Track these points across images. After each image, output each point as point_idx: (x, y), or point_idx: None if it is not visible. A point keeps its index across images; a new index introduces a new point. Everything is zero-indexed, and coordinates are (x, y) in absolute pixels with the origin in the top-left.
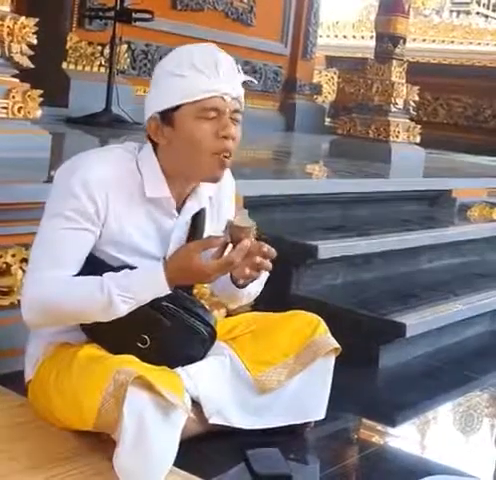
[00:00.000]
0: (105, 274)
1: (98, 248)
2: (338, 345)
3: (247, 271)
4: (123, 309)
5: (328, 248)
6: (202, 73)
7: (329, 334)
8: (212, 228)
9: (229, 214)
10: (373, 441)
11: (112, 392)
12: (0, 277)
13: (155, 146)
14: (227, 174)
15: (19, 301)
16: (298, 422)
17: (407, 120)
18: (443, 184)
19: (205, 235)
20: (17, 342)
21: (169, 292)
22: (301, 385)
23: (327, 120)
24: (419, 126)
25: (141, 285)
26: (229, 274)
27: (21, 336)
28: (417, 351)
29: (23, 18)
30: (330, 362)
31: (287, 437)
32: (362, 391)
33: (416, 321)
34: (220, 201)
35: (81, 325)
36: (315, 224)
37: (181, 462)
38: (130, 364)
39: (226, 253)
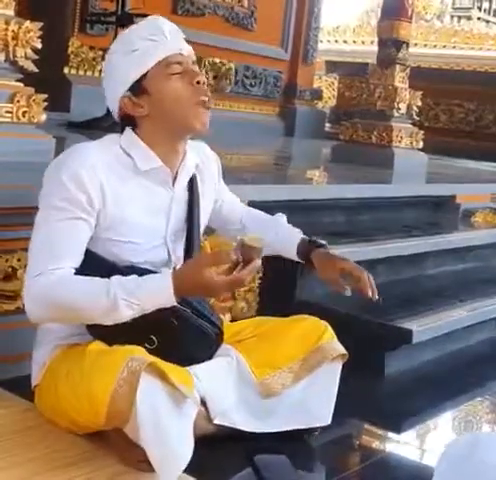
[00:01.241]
0: (113, 277)
1: (99, 236)
2: (345, 351)
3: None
4: (127, 314)
5: None
6: (153, 40)
7: (336, 340)
8: (203, 190)
9: (223, 189)
10: (379, 448)
11: (126, 377)
12: (6, 282)
13: (134, 128)
14: (207, 147)
15: (24, 306)
16: (303, 427)
17: (410, 125)
18: (447, 190)
19: (201, 198)
20: (23, 347)
21: (174, 304)
22: (307, 390)
23: (327, 126)
24: (422, 131)
25: (148, 292)
26: (296, 248)
27: (27, 341)
28: (422, 357)
29: (28, 22)
30: (337, 368)
31: (294, 443)
32: (368, 397)
33: (422, 327)
34: (207, 167)
35: (87, 326)
36: (319, 230)
37: (188, 467)
38: (142, 353)
39: (236, 272)
